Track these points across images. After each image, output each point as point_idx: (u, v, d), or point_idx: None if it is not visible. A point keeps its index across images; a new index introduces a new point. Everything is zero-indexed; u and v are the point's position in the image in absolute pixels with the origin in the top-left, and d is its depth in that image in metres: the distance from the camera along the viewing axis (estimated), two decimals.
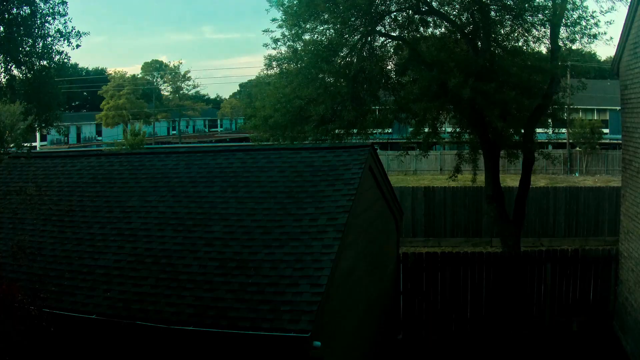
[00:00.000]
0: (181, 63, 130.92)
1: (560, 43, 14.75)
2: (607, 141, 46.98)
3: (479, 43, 14.51)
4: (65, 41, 8.26)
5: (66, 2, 8.22)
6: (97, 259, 8.56)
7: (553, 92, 15.78)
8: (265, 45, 16.35)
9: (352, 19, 13.78)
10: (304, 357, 6.67)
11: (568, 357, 13.07)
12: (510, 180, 34.48)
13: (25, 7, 7.97)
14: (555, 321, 14.01)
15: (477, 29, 14.26)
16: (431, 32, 15.72)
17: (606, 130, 48.24)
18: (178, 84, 76.87)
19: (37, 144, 56.39)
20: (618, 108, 35.79)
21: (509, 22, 14.49)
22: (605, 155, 42.98)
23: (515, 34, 14.79)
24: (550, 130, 19.52)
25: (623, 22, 12.97)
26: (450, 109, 15.44)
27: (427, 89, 13.64)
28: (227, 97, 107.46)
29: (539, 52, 15.42)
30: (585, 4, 26.34)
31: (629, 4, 12.53)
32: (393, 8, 14.76)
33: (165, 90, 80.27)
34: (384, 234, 12.70)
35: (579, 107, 47.49)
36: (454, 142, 17.64)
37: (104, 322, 7.43)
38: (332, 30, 14.41)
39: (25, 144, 11.57)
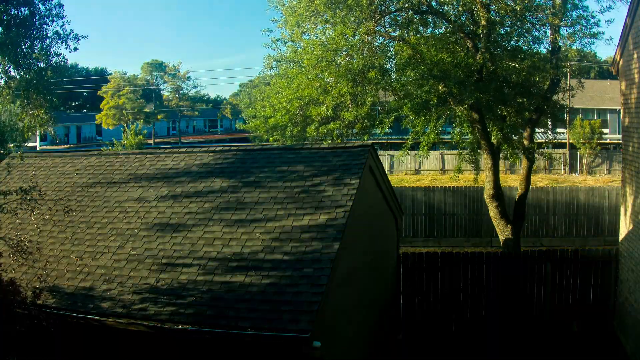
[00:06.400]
0: (181, 63, 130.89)
1: (561, 43, 14.75)
2: (607, 141, 46.98)
3: (479, 43, 14.49)
4: (63, 43, 8.27)
5: (62, 5, 8.24)
6: (97, 259, 8.56)
7: (553, 93, 15.77)
8: (266, 45, 16.44)
9: (352, 19, 13.78)
10: (304, 357, 6.67)
11: (568, 357, 13.06)
12: (511, 180, 34.52)
13: (24, 9, 7.97)
14: (555, 321, 14.01)
15: (477, 29, 14.24)
16: (431, 32, 15.71)
17: (606, 130, 48.20)
18: (178, 84, 76.89)
19: (37, 144, 56.47)
20: (618, 108, 35.72)
21: (509, 22, 14.47)
22: (606, 155, 42.99)
23: (515, 34, 14.78)
24: (549, 131, 19.52)
25: (623, 22, 12.98)
26: (451, 109, 15.42)
27: (428, 91, 13.64)
28: (227, 97, 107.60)
29: (539, 52, 15.41)
30: (585, 3, 26.31)
31: (628, 4, 12.53)
32: (393, 8, 14.75)
33: (165, 90, 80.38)
34: (384, 234, 12.70)
35: (579, 107, 47.45)
36: (454, 142, 17.63)
37: (103, 322, 7.42)
38: (331, 31, 14.42)
39: (25, 144, 11.58)
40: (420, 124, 14.84)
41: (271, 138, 15.56)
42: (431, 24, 15.52)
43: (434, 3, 14.54)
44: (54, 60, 8.11)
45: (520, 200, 16.44)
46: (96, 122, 68.22)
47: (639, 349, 12.20)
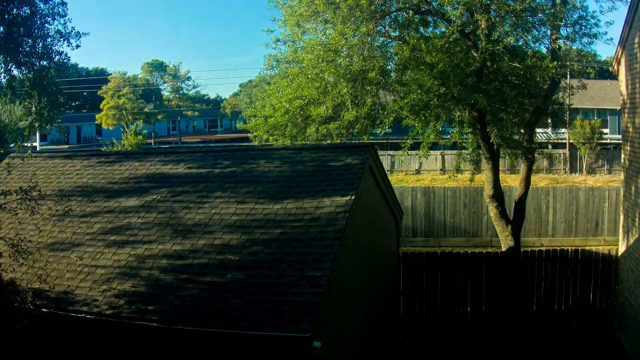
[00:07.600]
0: (181, 63, 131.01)
1: (561, 43, 14.75)
2: (607, 141, 46.99)
3: (479, 43, 14.49)
4: (65, 41, 8.28)
5: (66, 3, 8.25)
6: (97, 259, 8.56)
7: (553, 92, 15.77)
8: (266, 45, 16.46)
9: (352, 19, 13.78)
10: (304, 357, 6.67)
11: (568, 357, 13.07)
12: (511, 180, 34.51)
13: (25, 8, 7.98)
14: (555, 321, 14.02)
15: (477, 29, 14.25)
16: (431, 32, 15.71)
17: (606, 130, 48.23)
18: (178, 84, 76.91)
19: (37, 143, 56.45)
20: (618, 108, 35.79)
21: (509, 22, 14.47)
22: (606, 155, 43.00)
23: (515, 34, 14.78)
24: (549, 131, 19.55)
25: (623, 22, 12.99)
26: (452, 110, 15.42)
27: (428, 90, 13.64)
28: (227, 97, 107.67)
29: (539, 52, 15.41)
30: (585, 4, 26.25)
31: (628, 4, 12.54)
32: (393, 8, 14.76)
33: (165, 90, 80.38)
34: (384, 234, 12.70)
35: (579, 107, 47.46)
36: (454, 142, 17.65)
37: (104, 322, 7.42)
38: (332, 30, 14.43)
39: (26, 144, 11.59)
40: (420, 125, 14.84)
41: (271, 138, 15.55)
42: (431, 24, 15.53)
43: (434, 3, 14.54)
44: (57, 58, 8.11)
45: (520, 200, 16.44)
46: (96, 122, 68.21)
47: (638, 349, 12.21)
